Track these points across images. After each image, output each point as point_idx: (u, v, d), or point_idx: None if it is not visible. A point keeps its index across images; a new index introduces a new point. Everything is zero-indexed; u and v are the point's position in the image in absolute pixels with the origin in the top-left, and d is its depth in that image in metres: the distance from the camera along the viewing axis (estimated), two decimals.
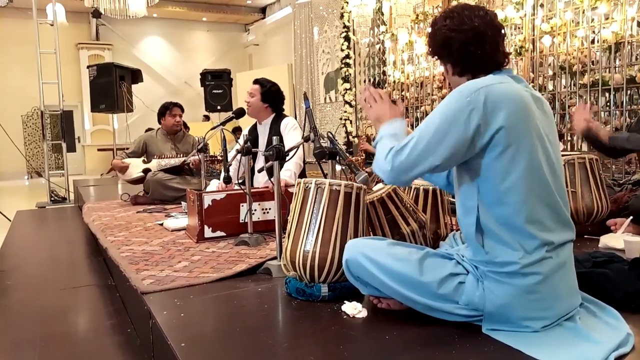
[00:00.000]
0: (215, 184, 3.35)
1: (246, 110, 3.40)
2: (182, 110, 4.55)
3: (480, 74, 1.45)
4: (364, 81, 8.41)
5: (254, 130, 3.57)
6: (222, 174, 2.82)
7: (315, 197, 1.73)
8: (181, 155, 4.33)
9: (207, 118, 10.31)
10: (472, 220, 1.41)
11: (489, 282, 1.40)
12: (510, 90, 1.37)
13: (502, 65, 1.48)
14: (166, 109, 4.46)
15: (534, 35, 5.32)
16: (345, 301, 1.66)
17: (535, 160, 1.36)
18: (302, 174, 3.39)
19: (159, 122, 4.53)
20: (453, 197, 1.87)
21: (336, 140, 2.12)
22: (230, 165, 3.24)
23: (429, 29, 1.56)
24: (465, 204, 1.44)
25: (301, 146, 3.15)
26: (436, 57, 1.56)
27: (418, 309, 1.48)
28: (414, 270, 1.45)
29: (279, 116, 3.48)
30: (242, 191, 2.68)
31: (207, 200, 2.74)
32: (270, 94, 3.42)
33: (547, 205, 1.38)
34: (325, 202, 1.70)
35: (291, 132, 3.33)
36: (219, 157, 4.22)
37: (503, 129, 1.33)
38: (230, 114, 3.33)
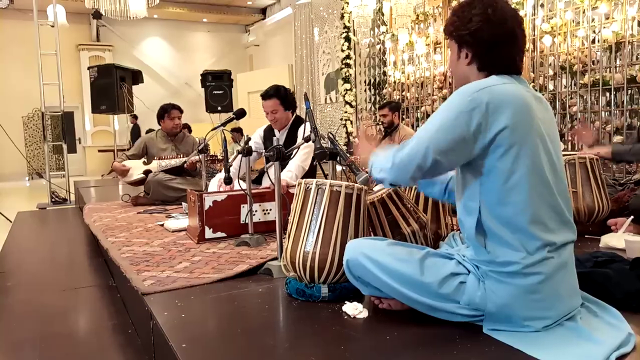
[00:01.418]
0: (216, 182, 3.34)
1: (273, 126, 3.39)
2: (181, 111, 4.54)
3: (496, 74, 1.43)
4: (365, 82, 8.41)
5: (270, 131, 3.51)
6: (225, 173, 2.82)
7: (316, 198, 1.72)
8: (182, 156, 4.33)
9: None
10: (473, 220, 1.40)
11: (490, 282, 1.39)
12: (513, 91, 1.37)
13: (520, 71, 1.47)
14: (165, 112, 4.46)
15: (534, 35, 5.31)
16: (346, 302, 1.66)
17: (538, 161, 1.36)
18: (313, 176, 3.36)
19: (159, 124, 4.55)
20: (452, 204, 1.89)
21: (337, 140, 2.12)
22: (232, 165, 3.23)
23: (458, 8, 1.47)
24: (468, 204, 1.44)
25: (310, 150, 3.11)
26: (455, 40, 1.47)
27: (419, 309, 1.48)
28: (415, 270, 1.45)
29: (297, 120, 3.42)
30: (242, 192, 2.68)
31: (207, 202, 2.74)
32: (287, 99, 3.35)
33: (550, 205, 1.38)
34: (325, 203, 1.70)
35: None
36: (219, 157, 4.22)
37: (506, 129, 1.33)
38: (230, 114, 3.33)
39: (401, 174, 1.45)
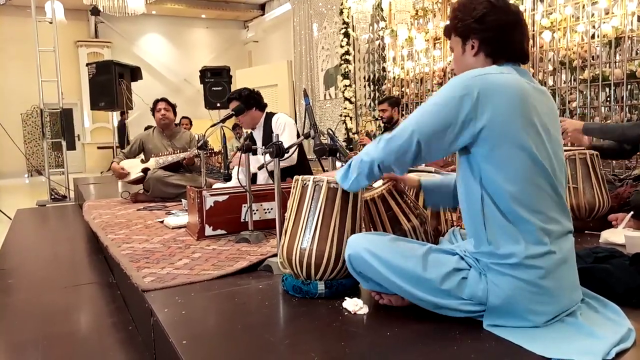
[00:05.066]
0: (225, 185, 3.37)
1: (243, 127, 3.52)
2: (170, 104, 4.53)
3: (504, 62, 1.44)
4: (364, 78, 8.40)
5: (251, 136, 3.67)
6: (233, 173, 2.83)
7: (313, 195, 1.72)
8: (178, 152, 4.33)
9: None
10: (476, 210, 1.40)
11: (492, 275, 1.39)
12: (509, 82, 1.36)
13: (527, 57, 1.48)
14: (153, 106, 4.52)
15: (534, 30, 5.30)
16: (346, 298, 1.66)
17: (535, 152, 1.35)
18: (308, 172, 3.39)
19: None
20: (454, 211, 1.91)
21: (336, 137, 2.12)
22: (231, 162, 3.24)
23: (458, 5, 1.49)
24: (469, 194, 1.43)
25: (291, 130, 3.23)
26: (460, 33, 1.47)
27: (421, 305, 1.47)
28: (417, 265, 1.44)
29: (269, 115, 3.56)
30: (243, 192, 2.67)
31: (209, 202, 2.72)
32: (247, 98, 3.47)
33: (549, 195, 1.38)
34: (322, 199, 1.69)
35: (285, 129, 3.42)
36: (216, 150, 4.24)
37: (498, 119, 1.32)
38: (229, 111, 3.33)
39: (387, 153, 1.46)
